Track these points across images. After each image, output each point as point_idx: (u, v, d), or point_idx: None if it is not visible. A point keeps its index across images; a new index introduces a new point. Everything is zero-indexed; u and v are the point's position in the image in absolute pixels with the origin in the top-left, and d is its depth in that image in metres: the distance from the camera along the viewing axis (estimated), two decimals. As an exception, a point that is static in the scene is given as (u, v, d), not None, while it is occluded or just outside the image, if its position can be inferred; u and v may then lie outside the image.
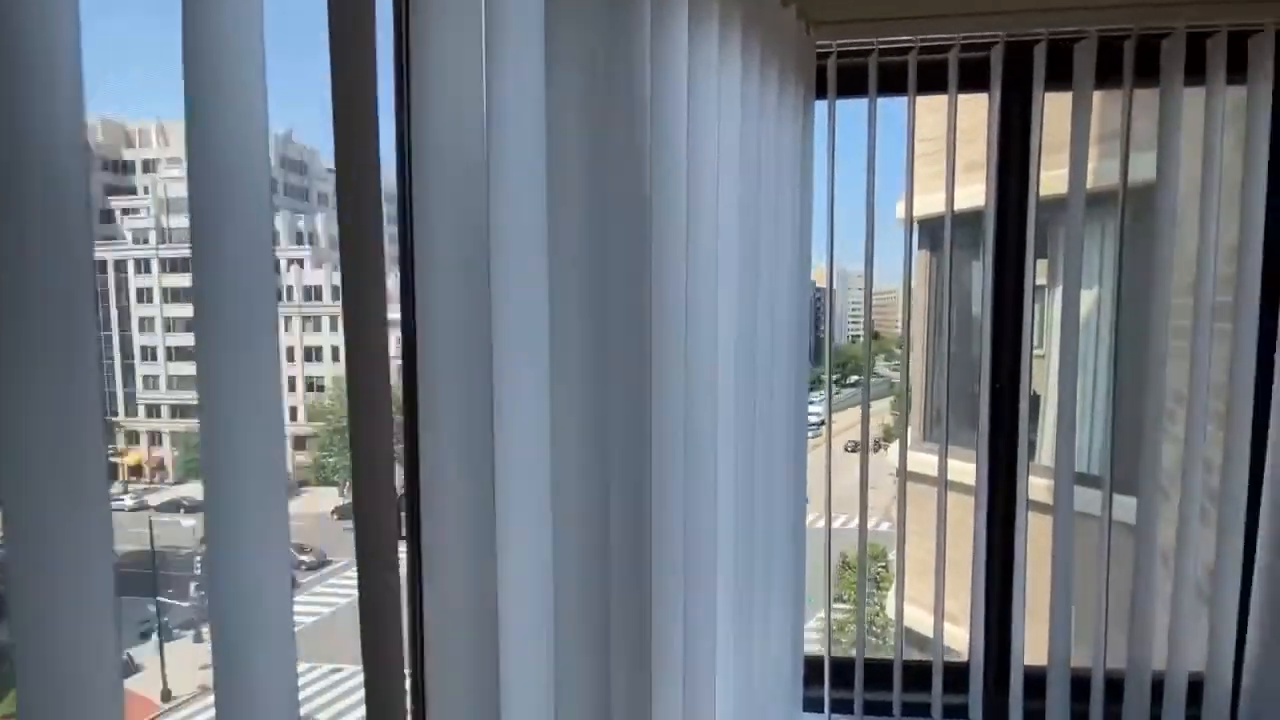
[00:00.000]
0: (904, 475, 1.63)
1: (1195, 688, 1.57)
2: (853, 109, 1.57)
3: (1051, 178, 1.53)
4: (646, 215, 0.84)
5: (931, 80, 1.53)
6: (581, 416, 0.75)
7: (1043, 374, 3.23)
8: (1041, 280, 3.17)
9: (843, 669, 1.65)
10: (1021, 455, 1.58)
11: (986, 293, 1.57)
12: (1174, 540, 1.55)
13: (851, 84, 1.54)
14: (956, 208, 1.59)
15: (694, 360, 0.99)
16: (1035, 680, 1.59)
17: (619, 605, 0.84)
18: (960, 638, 1.69)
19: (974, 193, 1.60)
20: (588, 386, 0.75)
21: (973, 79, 1.53)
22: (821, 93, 1.53)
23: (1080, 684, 1.58)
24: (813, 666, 1.65)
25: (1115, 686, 1.57)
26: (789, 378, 1.40)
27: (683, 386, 0.96)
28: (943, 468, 1.62)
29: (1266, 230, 1.47)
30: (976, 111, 1.57)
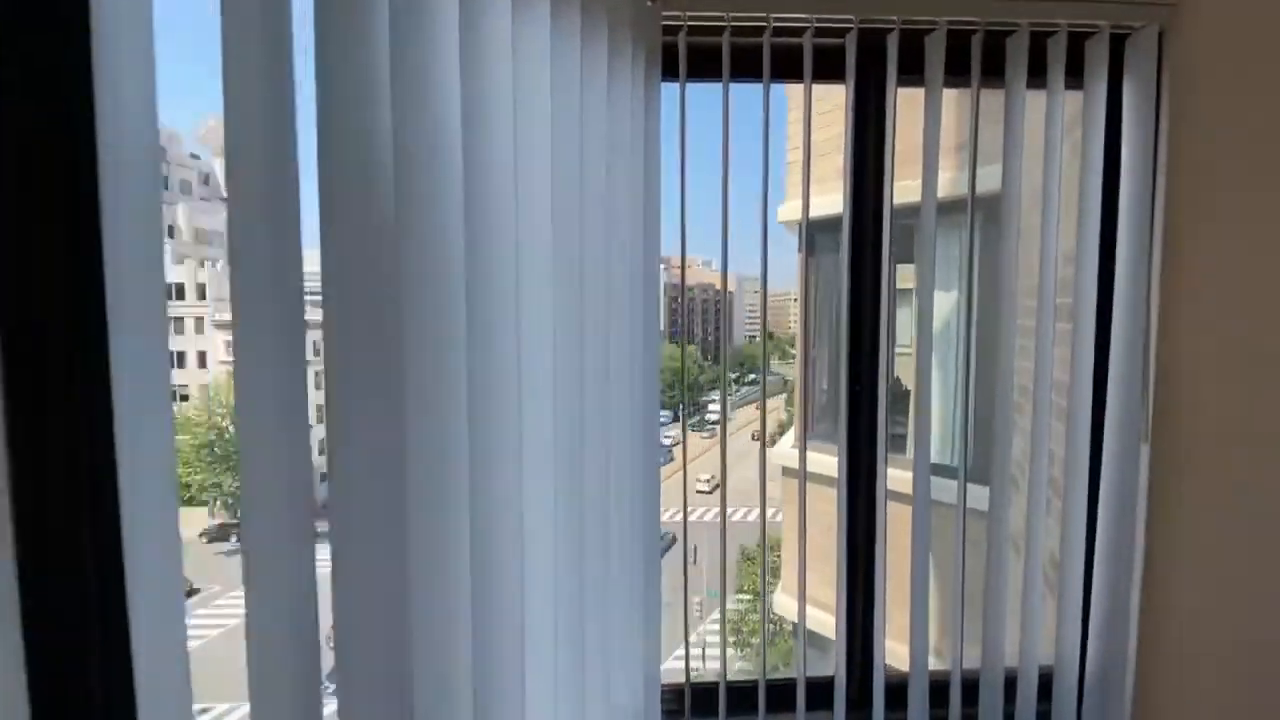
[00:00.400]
0: (765, 478, 1.54)
1: (1046, 682, 1.59)
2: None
3: (912, 186, 1.51)
4: (386, 202, 0.66)
5: (787, 67, 1.45)
6: (276, 433, 0.58)
7: (908, 371, 3.35)
8: (910, 284, 3.27)
9: (708, 695, 1.55)
10: (880, 452, 1.54)
11: (843, 295, 1.52)
12: (1024, 532, 1.57)
13: (705, 66, 1.42)
14: (830, 212, 1.53)
15: (484, 364, 0.82)
16: (897, 687, 1.56)
17: (363, 646, 0.67)
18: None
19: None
20: (282, 394, 0.58)
21: (828, 68, 1.47)
22: (675, 73, 1.41)
23: (940, 687, 1.56)
24: (679, 694, 1.54)
25: (971, 686, 1.56)
26: (632, 379, 1.26)
27: (462, 392, 0.79)
28: (802, 464, 1.57)
29: (1102, 234, 1.50)
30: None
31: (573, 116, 0.97)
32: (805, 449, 1.54)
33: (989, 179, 1.52)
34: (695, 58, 1.41)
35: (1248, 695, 1.60)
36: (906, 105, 1.48)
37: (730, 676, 1.51)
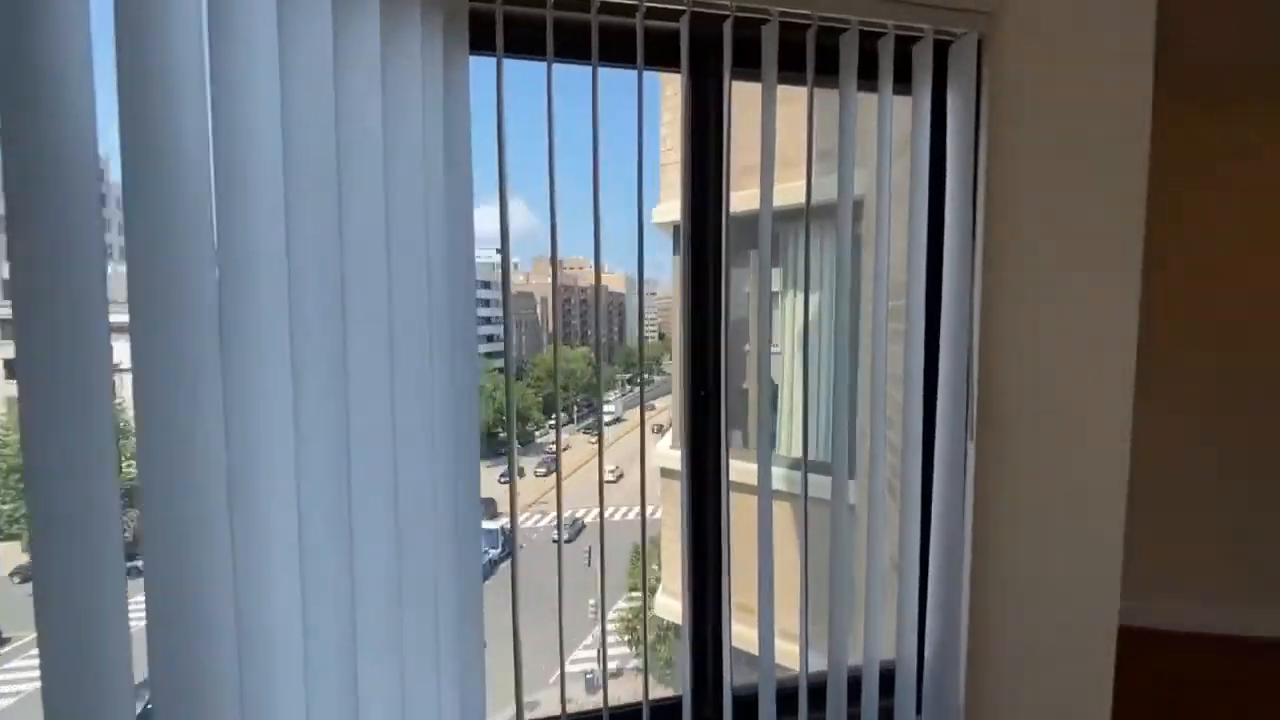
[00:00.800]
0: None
1: (889, 677, 1.60)
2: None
3: (781, 189, 1.46)
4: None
5: (621, 50, 1.36)
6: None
7: (780, 370, 3.41)
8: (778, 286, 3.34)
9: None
10: (724, 452, 1.50)
11: (680, 298, 1.45)
12: (867, 526, 1.56)
13: (528, 42, 1.30)
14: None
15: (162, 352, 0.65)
16: (746, 701, 1.52)
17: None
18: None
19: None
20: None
21: (663, 54, 1.39)
22: (491, 47, 1.27)
23: (790, 693, 1.53)
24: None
25: (818, 688, 1.55)
26: (435, 390, 1.11)
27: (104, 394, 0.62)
28: (641, 467, 1.48)
29: (931, 238, 1.52)
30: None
31: (322, 89, 0.81)
32: (643, 450, 1.46)
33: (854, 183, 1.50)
34: (519, 31, 1.29)
35: (1065, 677, 1.69)
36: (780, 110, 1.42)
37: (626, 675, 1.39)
